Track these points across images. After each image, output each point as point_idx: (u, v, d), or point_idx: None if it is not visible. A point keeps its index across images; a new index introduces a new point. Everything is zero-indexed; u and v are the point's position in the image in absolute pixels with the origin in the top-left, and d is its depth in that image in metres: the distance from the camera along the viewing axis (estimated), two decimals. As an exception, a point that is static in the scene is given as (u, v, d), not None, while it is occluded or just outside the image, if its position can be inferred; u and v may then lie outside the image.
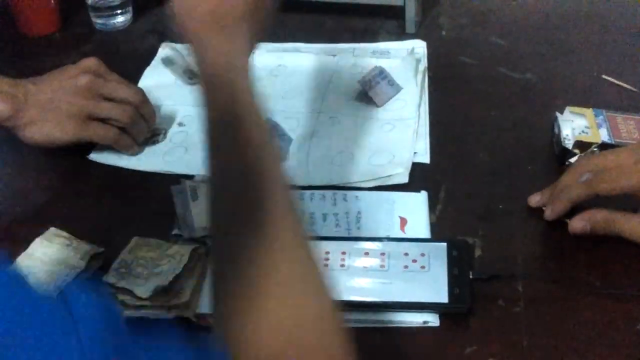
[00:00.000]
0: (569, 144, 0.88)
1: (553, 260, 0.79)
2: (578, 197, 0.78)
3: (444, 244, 0.78)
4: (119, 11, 1.25)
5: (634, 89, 1.02)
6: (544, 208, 0.82)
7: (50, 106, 0.91)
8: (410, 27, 1.20)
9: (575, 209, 0.80)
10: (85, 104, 0.92)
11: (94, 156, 0.97)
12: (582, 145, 0.87)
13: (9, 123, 0.90)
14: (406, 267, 0.76)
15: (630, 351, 0.69)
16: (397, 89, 1.04)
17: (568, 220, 0.80)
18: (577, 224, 0.78)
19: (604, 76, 1.05)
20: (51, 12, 1.25)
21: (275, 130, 0.96)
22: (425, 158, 0.93)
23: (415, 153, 0.93)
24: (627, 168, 0.77)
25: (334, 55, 1.13)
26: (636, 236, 0.77)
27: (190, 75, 1.08)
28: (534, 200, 0.83)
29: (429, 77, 1.08)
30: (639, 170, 0.76)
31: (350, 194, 0.88)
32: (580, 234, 0.78)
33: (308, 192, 0.88)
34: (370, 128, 0.98)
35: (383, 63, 1.07)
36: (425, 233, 0.82)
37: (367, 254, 0.78)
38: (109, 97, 0.94)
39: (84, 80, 0.92)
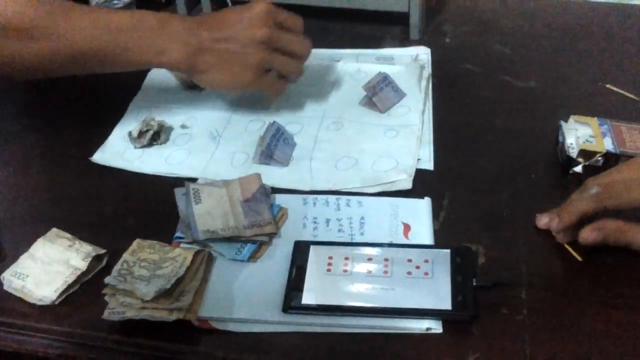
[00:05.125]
0: (573, 152, 0.88)
1: (557, 268, 0.79)
2: (586, 210, 0.77)
3: (448, 251, 0.78)
4: (122, 13, 1.25)
5: (638, 99, 1.02)
6: (554, 233, 0.81)
7: (226, 56, 0.93)
8: (414, 33, 1.20)
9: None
10: (264, 57, 0.94)
11: (97, 157, 0.97)
12: (586, 154, 0.87)
13: (182, 67, 0.95)
14: (409, 273, 0.76)
15: (634, 361, 0.69)
16: (401, 95, 1.04)
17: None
18: (589, 233, 0.77)
19: (607, 85, 1.05)
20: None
21: (279, 134, 0.96)
22: (429, 165, 0.93)
23: (418, 159, 0.93)
24: (635, 182, 0.76)
25: (338, 61, 1.13)
26: None
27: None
28: (543, 221, 0.82)
29: (433, 84, 1.08)
30: None
31: (354, 199, 0.87)
32: (592, 244, 0.77)
33: (311, 197, 0.88)
34: (373, 134, 0.98)
35: (387, 69, 1.07)
36: (428, 239, 0.81)
37: (370, 259, 0.78)
38: (283, 50, 0.96)
39: (263, 35, 0.93)
